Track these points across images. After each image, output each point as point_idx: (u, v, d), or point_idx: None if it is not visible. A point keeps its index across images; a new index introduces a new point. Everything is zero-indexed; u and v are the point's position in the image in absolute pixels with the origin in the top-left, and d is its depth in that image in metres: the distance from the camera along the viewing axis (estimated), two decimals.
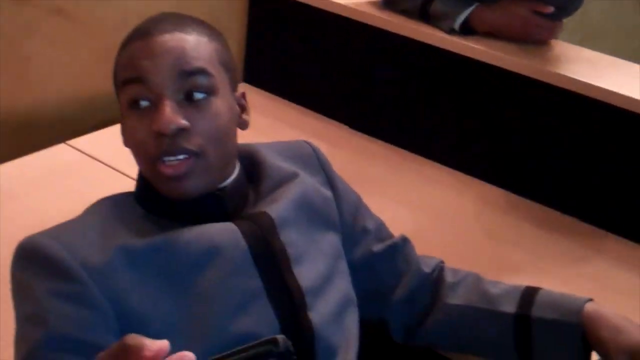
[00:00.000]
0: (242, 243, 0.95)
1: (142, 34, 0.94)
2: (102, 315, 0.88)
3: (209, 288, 0.92)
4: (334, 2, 1.97)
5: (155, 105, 0.91)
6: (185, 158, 0.91)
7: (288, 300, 0.95)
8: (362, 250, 1.15)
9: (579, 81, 1.66)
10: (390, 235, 1.20)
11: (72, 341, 0.86)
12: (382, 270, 1.17)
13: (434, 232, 1.60)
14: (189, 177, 0.92)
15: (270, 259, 0.97)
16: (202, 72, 0.93)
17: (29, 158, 1.69)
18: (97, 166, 1.70)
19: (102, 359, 0.62)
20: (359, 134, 2.01)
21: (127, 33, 0.97)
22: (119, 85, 0.95)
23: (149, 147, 0.91)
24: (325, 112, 2.07)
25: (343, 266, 1.08)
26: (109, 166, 1.69)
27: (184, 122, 0.90)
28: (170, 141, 0.90)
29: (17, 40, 1.75)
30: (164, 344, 0.59)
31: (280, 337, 0.60)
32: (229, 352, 0.60)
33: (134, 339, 0.58)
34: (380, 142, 1.97)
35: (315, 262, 1.02)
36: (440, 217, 1.68)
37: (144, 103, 0.92)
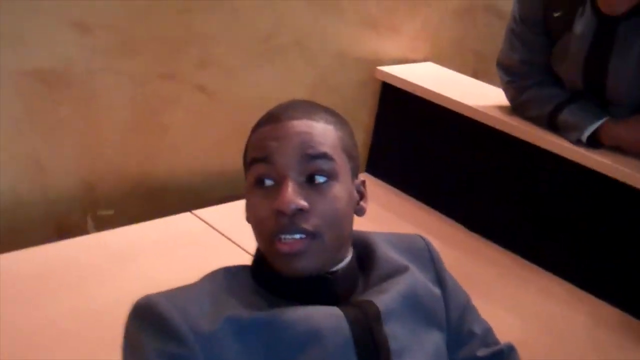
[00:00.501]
0: (346, 329, 0.96)
1: (273, 119, 0.99)
2: None
3: None
4: (463, 104, 2.00)
5: (279, 184, 0.95)
6: (302, 238, 0.94)
7: None
8: (466, 353, 1.13)
9: None
10: (497, 342, 1.18)
11: None
12: None
13: (541, 344, 1.55)
14: (304, 256, 0.95)
15: (371, 350, 0.97)
16: (324, 156, 0.97)
17: (156, 222, 1.78)
18: (218, 237, 1.76)
19: None
20: (474, 234, 2.00)
21: (261, 114, 1.03)
22: (248, 163, 1.00)
23: (268, 224, 0.95)
24: (443, 210, 2.08)
25: None
26: (229, 239, 1.75)
27: (303, 203, 0.94)
28: (289, 220, 0.93)
29: (160, 111, 1.87)
30: None
31: None
32: None
33: None
34: (494, 245, 1.95)
35: (416, 359, 1.01)
36: (549, 330, 1.63)
37: (268, 182, 0.96)
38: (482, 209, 2.02)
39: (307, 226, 0.94)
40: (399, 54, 2.35)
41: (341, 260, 1.02)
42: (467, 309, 1.17)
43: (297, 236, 0.94)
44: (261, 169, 0.97)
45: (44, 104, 1.68)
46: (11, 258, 1.53)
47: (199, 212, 1.86)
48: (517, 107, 1.94)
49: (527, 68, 1.88)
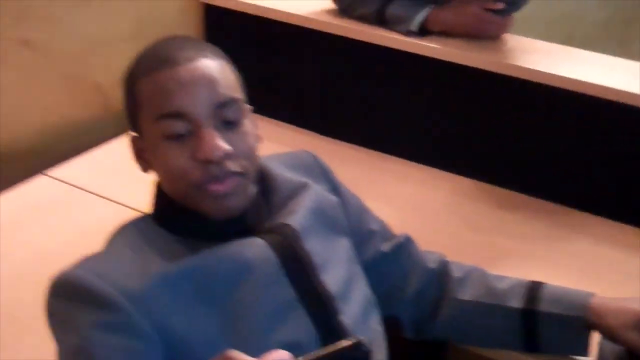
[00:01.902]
0: (272, 255, 1.00)
1: (167, 63, 0.95)
2: (149, 342, 0.90)
3: (245, 303, 0.96)
4: (292, 14, 2.01)
5: (195, 134, 0.94)
6: (232, 178, 0.95)
7: (321, 307, 1.00)
8: (371, 251, 1.21)
9: (534, 70, 1.75)
10: (394, 234, 1.26)
11: None
12: (391, 269, 1.22)
13: (416, 227, 1.62)
14: (237, 194, 0.97)
15: (299, 269, 1.01)
16: (234, 101, 0.97)
17: (10, 193, 1.70)
18: (81, 194, 1.70)
19: None
20: (325, 138, 2.05)
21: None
22: (153, 117, 0.96)
23: (193, 174, 0.94)
24: (286, 120, 2.12)
25: (358, 269, 1.14)
26: (90, 192, 1.70)
27: (229, 148, 0.94)
28: (217, 167, 0.94)
29: None
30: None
31: (363, 338, 0.65)
32: (319, 352, 0.64)
33: (237, 354, 0.60)
34: (344, 143, 2.03)
35: (337, 267, 1.07)
36: (419, 212, 1.74)
37: (182, 133, 0.95)
38: (324, 111, 2.09)
39: (236, 168, 0.96)
40: None
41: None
42: (363, 209, 1.24)
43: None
44: (174, 124, 0.94)
45: None
46: None
47: (52, 172, 1.78)
48: (345, 9, 1.98)
49: None
